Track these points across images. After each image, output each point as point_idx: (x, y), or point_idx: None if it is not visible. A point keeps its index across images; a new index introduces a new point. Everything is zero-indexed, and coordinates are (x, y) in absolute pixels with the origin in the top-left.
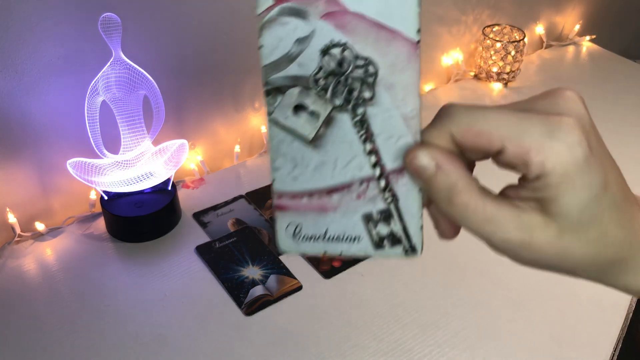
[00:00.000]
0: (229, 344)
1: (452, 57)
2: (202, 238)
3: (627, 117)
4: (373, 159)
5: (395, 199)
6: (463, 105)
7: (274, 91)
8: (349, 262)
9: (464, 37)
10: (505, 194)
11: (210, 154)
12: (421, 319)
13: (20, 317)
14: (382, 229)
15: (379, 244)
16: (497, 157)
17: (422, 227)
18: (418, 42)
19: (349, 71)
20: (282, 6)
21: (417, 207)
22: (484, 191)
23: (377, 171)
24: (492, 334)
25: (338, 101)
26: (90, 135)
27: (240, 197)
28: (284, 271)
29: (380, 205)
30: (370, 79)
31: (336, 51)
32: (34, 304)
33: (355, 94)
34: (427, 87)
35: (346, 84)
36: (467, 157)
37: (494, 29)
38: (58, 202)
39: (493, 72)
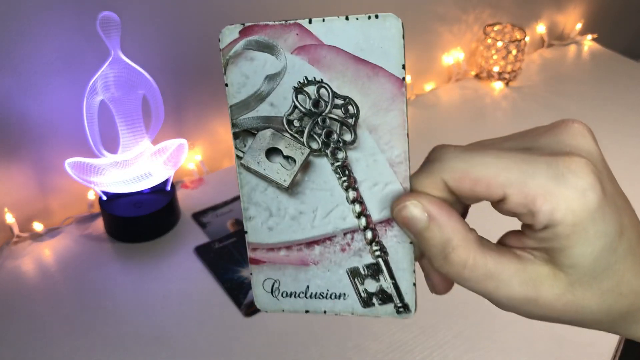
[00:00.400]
0: (228, 345)
1: (453, 57)
2: (202, 238)
3: (628, 116)
4: (357, 208)
5: (383, 252)
6: (456, 149)
7: (243, 133)
8: None
9: (465, 36)
10: (506, 243)
11: (210, 154)
12: (422, 320)
13: (19, 318)
14: (370, 286)
15: (367, 301)
16: (499, 205)
17: (414, 284)
18: (403, 79)
19: (326, 111)
20: (248, 39)
21: (408, 261)
22: (483, 242)
23: (363, 222)
24: (493, 335)
25: (315, 145)
26: (88, 135)
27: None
28: None
29: (368, 259)
30: (351, 121)
31: (311, 89)
32: (32, 304)
33: (334, 136)
34: (427, 86)
35: (324, 126)
36: (463, 202)
37: (495, 28)
38: (56, 202)
39: (494, 71)
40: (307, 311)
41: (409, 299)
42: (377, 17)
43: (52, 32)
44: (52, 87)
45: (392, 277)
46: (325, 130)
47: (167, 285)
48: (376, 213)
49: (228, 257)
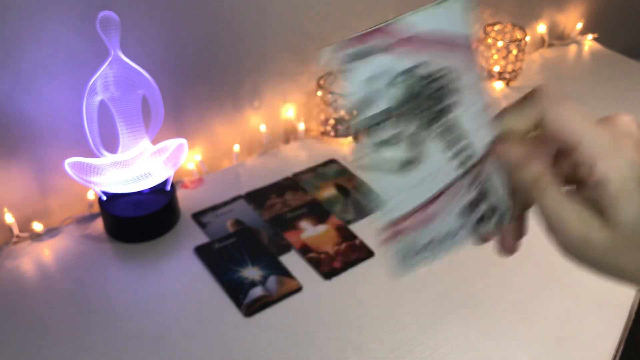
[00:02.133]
0: (228, 345)
1: None
2: (201, 239)
3: None
4: (463, 156)
5: (483, 185)
6: (557, 94)
7: (362, 133)
8: (349, 263)
9: None
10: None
11: (210, 154)
12: (422, 321)
13: (19, 318)
14: (477, 213)
15: (476, 226)
16: (570, 153)
17: (508, 201)
18: (471, 45)
19: (426, 91)
20: (346, 54)
21: (502, 186)
22: (559, 184)
23: (467, 166)
24: (493, 335)
25: (420, 120)
26: (88, 135)
27: (240, 197)
28: (283, 272)
29: (472, 194)
30: (446, 88)
31: (409, 76)
32: (32, 304)
33: (436, 107)
34: None
35: (425, 103)
36: (546, 138)
37: (496, 28)
38: (56, 202)
39: (495, 71)
40: (434, 258)
41: (504, 209)
42: (444, 0)
43: (51, 32)
44: (51, 87)
45: (491, 199)
46: (427, 106)
47: (166, 285)
48: (476, 156)
49: (228, 257)
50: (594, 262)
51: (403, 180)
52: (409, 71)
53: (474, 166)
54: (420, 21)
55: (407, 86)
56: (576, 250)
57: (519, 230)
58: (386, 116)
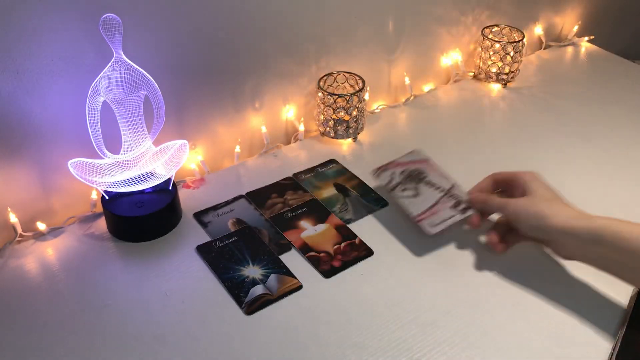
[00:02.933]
0: (229, 344)
1: (451, 58)
2: (203, 238)
3: (626, 117)
4: (439, 189)
5: (457, 197)
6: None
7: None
8: (349, 262)
9: (463, 38)
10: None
11: (211, 154)
12: (421, 318)
13: (21, 317)
14: (457, 208)
15: (461, 213)
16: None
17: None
18: (427, 159)
19: (412, 174)
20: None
21: (465, 194)
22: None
23: (444, 192)
24: (492, 333)
25: (414, 182)
26: (91, 136)
27: (241, 196)
28: (284, 271)
29: (452, 201)
30: (419, 172)
31: (403, 171)
32: (34, 303)
33: (419, 177)
34: (426, 87)
35: (413, 177)
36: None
37: (493, 30)
38: (59, 202)
39: (492, 72)
40: (446, 226)
41: (469, 204)
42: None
43: (54, 33)
44: (54, 88)
45: (462, 201)
46: (414, 179)
47: (168, 284)
48: (447, 188)
49: (229, 256)
50: (550, 239)
51: (418, 200)
52: (403, 171)
53: (447, 191)
54: (401, 158)
55: (404, 175)
56: (535, 230)
57: (484, 218)
58: (399, 183)
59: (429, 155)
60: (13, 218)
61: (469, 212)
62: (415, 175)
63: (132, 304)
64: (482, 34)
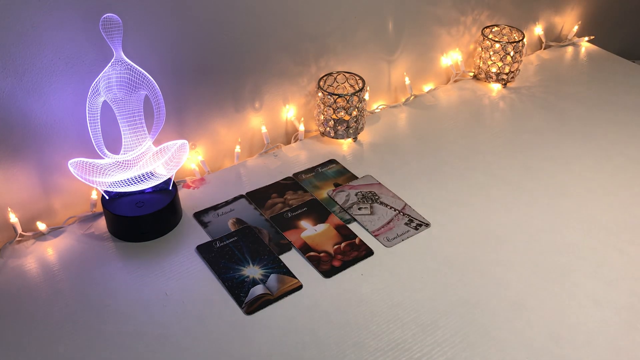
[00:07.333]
0: (229, 343)
1: (451, 58)
2: (203, 237)
3: (625, 116)
4: (395, 208)
5: (410, 215)
6: None
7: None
8: (349, 262)
9: (463, 38)
10: None
11: (211, 154)
12: (420, 318)
13: (22, 316)
14: (411, 225)
15: (414, 229)
16: None
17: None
18: (378, 183)
19: (367, 195)
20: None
21: (417, 214)
22: None
23: (398, 211)
24: (491, 333)
25: (367, 203)
26: (91, 136)
27: (241, 196)
28: (284, 271)
29: (406, 218)
30: (373, 194)
31: (360, 193)
32: (35, 303)
33: (373, 197)
34: (426, 87)
35: (368, 198)
36: None
37: (493, 30)
38: (59, 202)
39: (492, 72)
40: (399, 240)
41: (423, 221)
42: None
43: (54, 33)
44: (55, 88)
45: (414, 219)
46: (367, 200)
47: (168, 284)
48: (400, 209)
49: (229, 256)
50: None
51: (373, 218)
52: (358, 193)
53: (400, 210)
54: (355, 181)
55: (359, 196)
56: None
57: None
58: (355, 203)
59: (380, 181)
60: (13, 218)
61: (422, 229)
62: (369, 196)
63: (132, 303)
64: (482, 34)
